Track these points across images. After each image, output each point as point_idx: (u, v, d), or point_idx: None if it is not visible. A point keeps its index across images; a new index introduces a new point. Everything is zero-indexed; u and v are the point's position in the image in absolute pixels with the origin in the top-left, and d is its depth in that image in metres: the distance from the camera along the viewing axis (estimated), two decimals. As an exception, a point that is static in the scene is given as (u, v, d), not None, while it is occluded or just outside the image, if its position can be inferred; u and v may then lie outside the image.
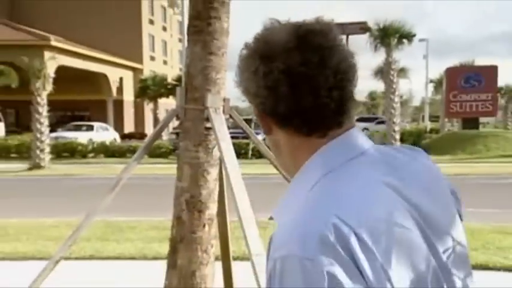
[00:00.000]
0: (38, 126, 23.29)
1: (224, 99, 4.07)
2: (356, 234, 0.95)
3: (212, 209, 4.12)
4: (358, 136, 1.15)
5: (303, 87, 1.07)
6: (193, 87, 3.98)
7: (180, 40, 47.36)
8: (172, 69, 55.72)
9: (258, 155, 17.44)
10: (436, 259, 1.06)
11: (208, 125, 3.94)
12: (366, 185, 1.06)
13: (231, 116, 4.23)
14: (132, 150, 26.78)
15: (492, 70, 32.52)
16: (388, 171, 1.10)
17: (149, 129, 46.07)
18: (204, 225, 4.06)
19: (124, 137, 38.61)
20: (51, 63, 25.63)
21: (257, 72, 1.09)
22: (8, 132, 35.77)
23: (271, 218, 1.16)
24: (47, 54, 27.68)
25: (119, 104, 47.97)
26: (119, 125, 43.97)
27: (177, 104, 4.21)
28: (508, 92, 53.02)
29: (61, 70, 29.88)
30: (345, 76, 1.09)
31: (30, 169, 22.59)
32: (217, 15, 3.93)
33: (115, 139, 34.90)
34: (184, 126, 4.08)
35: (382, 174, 1.09)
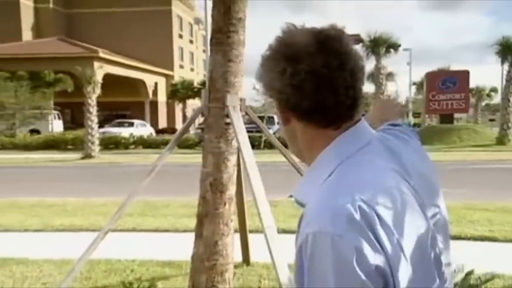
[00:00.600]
0: (89, 123, 23.39)
1: (241, 99, 4.07)
2: (377, 214, 0.95)
3: (231, 190, 4.15)
4: (366, 127, 1.15)
5: (325, 87, 1.06)
6: (215, 89, 3.99)
7: (204, 51, 47.07)
8: (197, 75, 55.64)
9: (269, 146, 17.47)
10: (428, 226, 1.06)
11: (227, 120, 3.96)
12: (378, 171, 1.06)
13: (246, 113, 4.24)
14: (165, 143, 26.82)
15: (464, 74, 32.42)
16: (391, 158, 1.11)
17: (179, 125, 46.02)
18: (225, 204, 4.09)
19: (158, 131, 38.62)
20: (100, 71, 25.93)
21: (284, 72, 1.06)
22: (65, 128, 35.93)
23: (290, 196, 1.15)
24: (96, 64, 27.79)
25: (154, 105, 48.08)
26: (154, 122, 44.02)
27: (202, 104, 4.22)
28: (477, 92, 52.72)
29: (107, 77, 30.08)
30: (358, 76, 1.09)
31: (83, 158, 22.68)
32: (235, 29, 3.94)
33: (151, 133, 34.94)
34: (208, 122, 4.10)
35: (387, 161, 1.09)
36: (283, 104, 1.12)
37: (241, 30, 3.99)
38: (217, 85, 3.98)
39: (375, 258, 0.92)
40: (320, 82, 1.06)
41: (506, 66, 29.59)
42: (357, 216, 0.93)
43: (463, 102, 32.00)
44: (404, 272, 0.97)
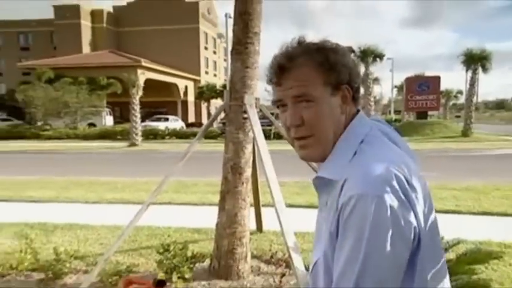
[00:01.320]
0: (134, 118, 23.62)
1: (256, 99, 4.04)
2: (407, 181, 0.95)
3: (248, 172, 4.14)
4: (363, 114, 1.14)
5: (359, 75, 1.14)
6: (235, 90, 3.97)
7: (225, 60, 47.20)
8: (219, 79, 55.60)
9: (278, 137, 17.40)
10: None
11: (245, 116, 3.94)
12: (394, 149, 1.05)
13: (260, 110, 4.21)
14: (194, 134, 26.93)
15: (436, 79, 32.30)
16: (393, 142, 1.09)
17: (204, 120, 46.31)
18: (242, 183, 4.08)
19: (188, 125, 38.66)
20: (142, 77, 26.24)
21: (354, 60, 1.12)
22: (115, 122, 36.19)
23: (316, 179, 1.09)
24: (139, 71, 27.93)
25: (184, 103, 48.32)
26: (184, 117, 44.15)
27: (224, 102, 4.20)
28: (446, 94, 52.56)
29: (148, 81, 30.43)
30: None
31: (129, 146, 22.93)
32: (252, 41, 3.92)
33: (182, 127, 34.92)
34: (229, 117, 4.08)
35: (391, 142, 1.08)
36: (347, 78, 1.08)
37: (256, 42, 3.96)
38: (237, 87, 3.96)
39: (406, 215, 0.92)
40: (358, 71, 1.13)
41: (469, 73, 29.73)
42: (394, 182, 0.93)
43: (435, 101, 31.93)
44: (427, 232, 0.97)
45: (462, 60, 29.34)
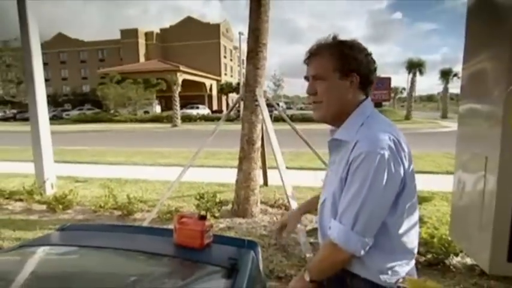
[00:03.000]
0: (175, 107, 23.49)
1: (264, 91, 3.99)
2: (400, 144, 0.96)
3: (258, 144, 4.11)
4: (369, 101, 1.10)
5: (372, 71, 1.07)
6: (249, 85, 3.92)
7: (238, 66, 46.94)
8: (234, 79, 54.56)
9: (280, 119, 17.33)
10: None
11: (256, 103, 3.89)
12: (390, 123, 1.05)
13: (267, 99, 4.16)
14: (217, 118, 26.82)
15: (388, 79, 31.76)
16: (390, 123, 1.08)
17: (224, 108, 46.01)
18: (254, 151, 4.06)
19: (212, 112, 38.26)
20: (180, 78, 25.80)
21: (368, 57, 1.06)
22: (162, 110, 36.02)
23: (332, 140, 1.09)
24: (178, 74, 27.49)
25: (210, 97, 47.71)
26: (210, 106, 43.55)
27: (241, 94, 4.15)
28: (394, 90, 51.50)
29: (184, 81, 30.03)
30: None
31: (172, 127, 22.86)
32: (261, 50, 3.84)
33: (208, 113, 34.50)
34: (245, 104, 4.02)
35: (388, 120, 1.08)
36: (356, 68, 1.02)
37: (264, 50, 3.88)
38: (250, 83, 3.90)
39: (398, 168, 0.95)
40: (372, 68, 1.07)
41: (411, 75, 29.61)
42: (392, 144, 0.95)
43: (387, 95, 31.43)
44: (408, 179, 0.99)
45: (406, 66, 29.12)
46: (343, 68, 1.02)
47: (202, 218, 1.38)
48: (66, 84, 54.27)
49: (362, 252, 0.97)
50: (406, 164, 0.97)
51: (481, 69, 2.18)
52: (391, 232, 1.00)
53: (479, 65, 2.20)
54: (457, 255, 2.80)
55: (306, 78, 1.09)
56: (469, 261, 2.76)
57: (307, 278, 1.04)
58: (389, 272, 1.02)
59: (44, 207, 4.53)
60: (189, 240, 1.34)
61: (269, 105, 4.34)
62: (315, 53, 1.05)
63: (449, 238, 2.78)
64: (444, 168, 6.73)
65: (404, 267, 1.04)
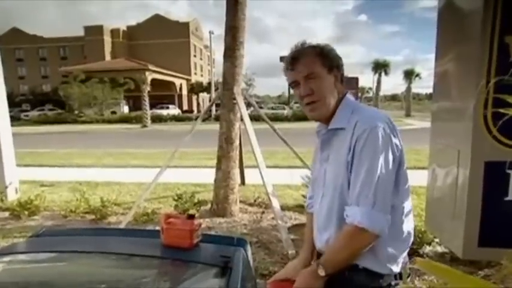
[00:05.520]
0: (144, 107, 22.86)
1: (242, 89, 3.97)
2: (393, 124, 1.01)
3: (236, 143, 4.07)
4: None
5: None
6: (227, 83, 3.88)
7: (208, 65, 46.65)
8: (204, 79, 53.98)
9: (253, 118, 17.44)
10: None
11: (234, 101, 3.86)
12: (380, 112, 1.08)
13: (245, 97, 4.14)
14: (188, 118, 26.69)
15: (355, 79, 33.13)
16: None
17: (195, 108, 45.47)
18: (233, 150, 4.02)
19: (183, 112, 37.57)
20: (149, 77, 25.22)
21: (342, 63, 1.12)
22: (130, 110, 34.83)
23: (330, 130, 1.11)
24: (147, 73, 26.70)
25: (180, 96, 46.77)
26: (180, 106, 42.85)
27: (219, 92, 4.08)
28: (361, 89, 53.45)
29: (153, 80, 29.26)
30: None
31: (141, 127, 22.19)
32: (238, 48, 3.82)
33: (179, 113, 33.81)
34: (223, 102, 3.97)
35: None
36: (337, 64, 1.10)
37: (241, 48, 3.86)
38: (228, 80, 3.86)
39: (396, 142, 1.00)
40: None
41: (376, 76, 30.55)
42: (387, 120, 1.01)
43: (354, 95, 32.47)
44: (403, 157, 1.04)
45: (372, 66, 30.05)
46: (329, 63, 1.07)
47: (191, 217, 1.35)
48: (24, 83, 51.12)
49: (386, 232, 0.97)
50: (401, 143, 1.03)
51: (453, 67, 2.31)
52: (396, 216, 1.01)
53: (451, 63, 2.33)
54: (429, 244, 2.95)
55: (293, 83, 1.12)
56: (439, 249, 2.92)
57: (323, 273, 1.01)
58: (391, 260, 1.03)
59: (6, 214, 4.22)
60: (178, 240, 1.31)
61: (247, 104, 4.33)
62: (300, 56, 1.07)
63: (424, 229, 2.92)
64: (412, 163, 7.05)
65: (403, 254, 1.06)
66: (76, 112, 29.86)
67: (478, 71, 1.95)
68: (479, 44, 1.94)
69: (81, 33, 49.12)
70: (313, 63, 1.06)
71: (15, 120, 28.64)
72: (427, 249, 2.94)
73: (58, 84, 33.81)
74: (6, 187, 4.75)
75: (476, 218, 2.04)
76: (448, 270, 0.62)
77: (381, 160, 0.95)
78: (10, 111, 5.06)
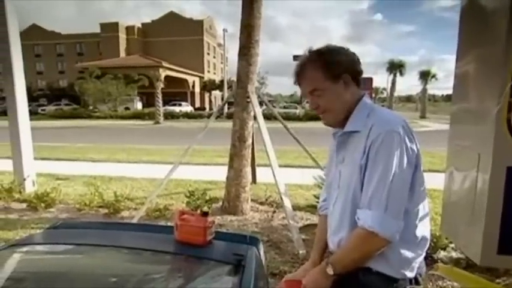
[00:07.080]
0: (157, 103, 23.02)
1: (255, 87, 3.97)
2: (409, 128, 1.00)
3: (249, 141, 4.08)
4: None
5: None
6: (241, 81, 3.88)
7: (221, 63, 46.76)
8: (217, 76, 54.32)
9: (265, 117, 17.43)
10: None
11: (248, 100, 3.86)
12: (397, 114, 1.06)
13: (258, 96, 4.14)
14: (200, 115, 26.81)
15: (370, 79, 31.93)
16: None
17: (207, 105, 45.70)
18: (245, 148, 4.02)
19: (195, 109, 37.85)
20: (162, 74, 25.51)
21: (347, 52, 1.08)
22: (143, 106, 35.31)
23: (343, 134, 1.10)
24: (161, 70, 27.01)
25: (192, 93, 47.17)
26: (192, 103, 43.13)
27: (233, 90, 4.10)
28: (375, 90, 53.37)
29: (167, 77, 29.65)
30: None
31: (154, 124, 22.37)
32: (253, 46, 3.81)
33: (191, 110, 34.11)
34: (236, 101, 3.98)
35: None
36: (343, 69, 1.06)
37: (256, 46, 3.85)
38: (242, 79, 3.87)
39: (412, 146, 0.98)
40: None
41: (391, 76, 30.05)
42: (405, 125, 0.99)
43: (368, 95, 32.13)
44: (419, 160, 1.02)
45: (387, 67, 29.62)
46: (332, 73, 1.05)
47: (205, 214, 1.36)
48: (42, 78, 52.27)
49: (397, 237, 0.96)
50: (417, 144, 1.01)
51: (475, 69, 2.24)
52: (410, 220, 1.00)
53: (473, 64, 2.26)
54: (444, 249, 2.88)
55: (303, 97, 1.16)
56: (454, 255, 2.85)
57: (331, 272, 1.01)
58: (404, 265, 1.01)
59: (24, 205, 4.34)
60: (191, 237, 1.31)
61: (260, 102, 4.32)
62: (301, 72, 1.08)
63: (439, 233, 2.85)
64: (426, 166, 6.92)
65: (418, 259, 1.04)
66: (91, 107, 30.40)
67: (502, 73, 1.89)
68: (504, 45, 1.88)
69: (97, 30, 49.91)
70: (315, 79, 1.05)
71: (32, 114, 28.88)
72: (441, 254, 2.88)
73: (74, 79, 34.45)
74: (24, 179, 4.88)
75: (496, 224, 1.98)
76: (472, 278, 0.60)
77: (395, 165, 0.94)
78: (28, 106, 5.18)
